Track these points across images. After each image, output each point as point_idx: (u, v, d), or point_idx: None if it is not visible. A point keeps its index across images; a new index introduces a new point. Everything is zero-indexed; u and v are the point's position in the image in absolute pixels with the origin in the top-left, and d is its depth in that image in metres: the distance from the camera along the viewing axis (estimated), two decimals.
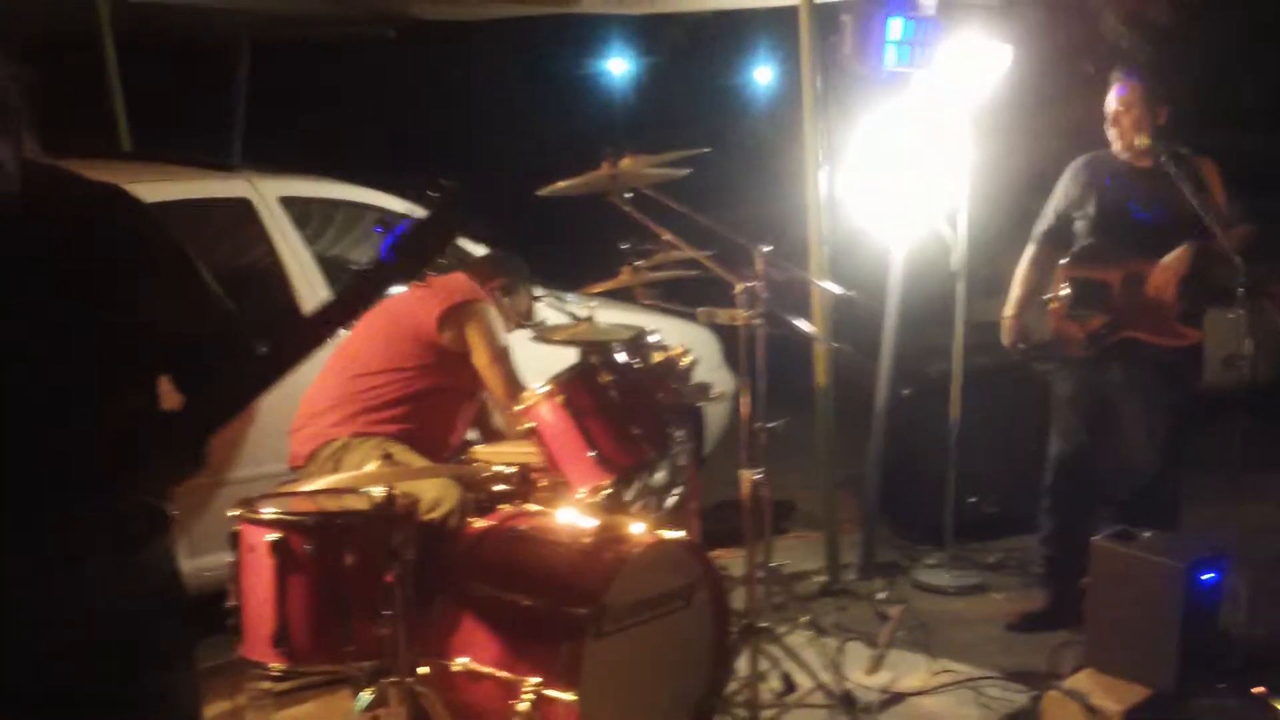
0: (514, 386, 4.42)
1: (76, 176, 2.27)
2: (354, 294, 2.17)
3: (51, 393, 2.11)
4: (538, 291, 5.17)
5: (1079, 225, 5.02)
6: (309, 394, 4.50)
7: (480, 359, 4.45)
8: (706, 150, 4.57)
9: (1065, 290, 4.93)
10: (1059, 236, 5.08)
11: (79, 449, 2.11)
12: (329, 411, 4.41)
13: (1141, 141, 4.77)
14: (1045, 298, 5.03)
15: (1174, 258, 4.74)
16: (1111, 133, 4.93)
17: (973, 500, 6.11)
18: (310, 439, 4.38)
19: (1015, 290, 5.23)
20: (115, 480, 2.13)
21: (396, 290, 4.25)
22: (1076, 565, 4.64)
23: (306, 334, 2.21)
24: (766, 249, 4.51)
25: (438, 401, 4.51)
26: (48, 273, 2.13)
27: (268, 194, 5.33)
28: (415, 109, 12.64)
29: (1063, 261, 4.98)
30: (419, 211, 5.70)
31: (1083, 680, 4.24)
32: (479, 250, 5.54)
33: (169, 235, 2.33)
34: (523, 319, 4.93)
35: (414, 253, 2.16)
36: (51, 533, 2.09)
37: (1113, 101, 4.90)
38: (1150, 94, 4.83)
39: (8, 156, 2.10)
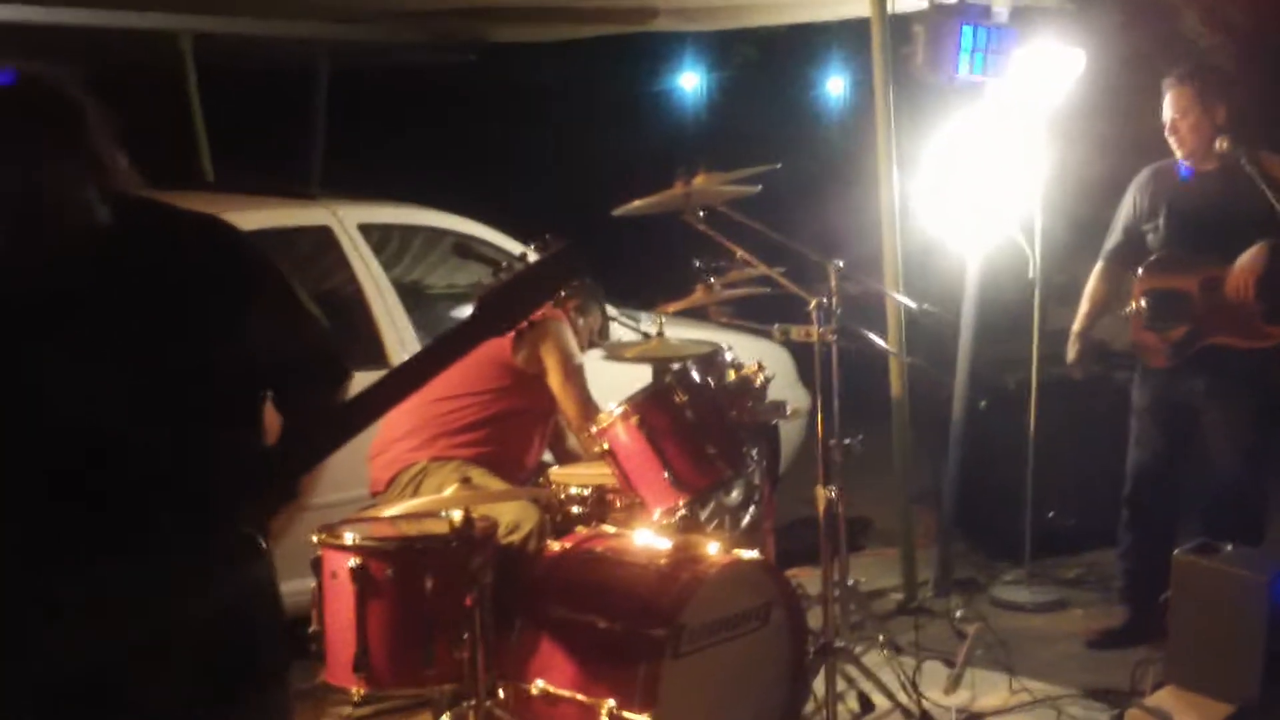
0: (588, 407, 4.46)
1: (172, 207, 2.34)
2: (447, 345, 2.22)
3: (150, 420, 2.17)
4: (611, 310, 5.21)
5: (1150, 238, 4.96)
6: (388, 418, 4.56)
7: (554, 379, 4.49)
8: (777, 166, 4.59)
9: (1143, 303, 4.88)
10: (1129, 252, 5.03)
11: (174, 476, 2.17)
12: (408, 436, 4.47)
13: (1222, 144, 4.69)
14: (1124, 312, 4.98)
15: (1250, 257, 4.66)
16: (1171, 141, 4.87)
17: (1051, 514, 6.05)
18: (390, 464, 4.45)
19: (1084, 306, 5.21)
20: (211, 507, 2.18)
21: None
22: (1158, 580, 4.55)
23: (398, 382, 2.27)
24: (840, 264, 4.53)
25: (515, 423, 4.55)
26: (145, 303, 2.19)
27: (347, 221, 5.43)
28: (492, 129, 12.75)
29: (1139, 273, 4.93)
30: (498, 236, 5.78)
31: (1165, 697, 4.19)
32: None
33: (266, 260, 2.40)
34: (596, 338, 4.96)
35: (511, 307, 2.20)
36: (148, 556, 2.15)
37: (1168, 110, 4.84)
38: (1203, 97, 4.76)
39: (91, 194, 2.17)
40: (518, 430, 4.57)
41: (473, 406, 4.48)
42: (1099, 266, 5.18)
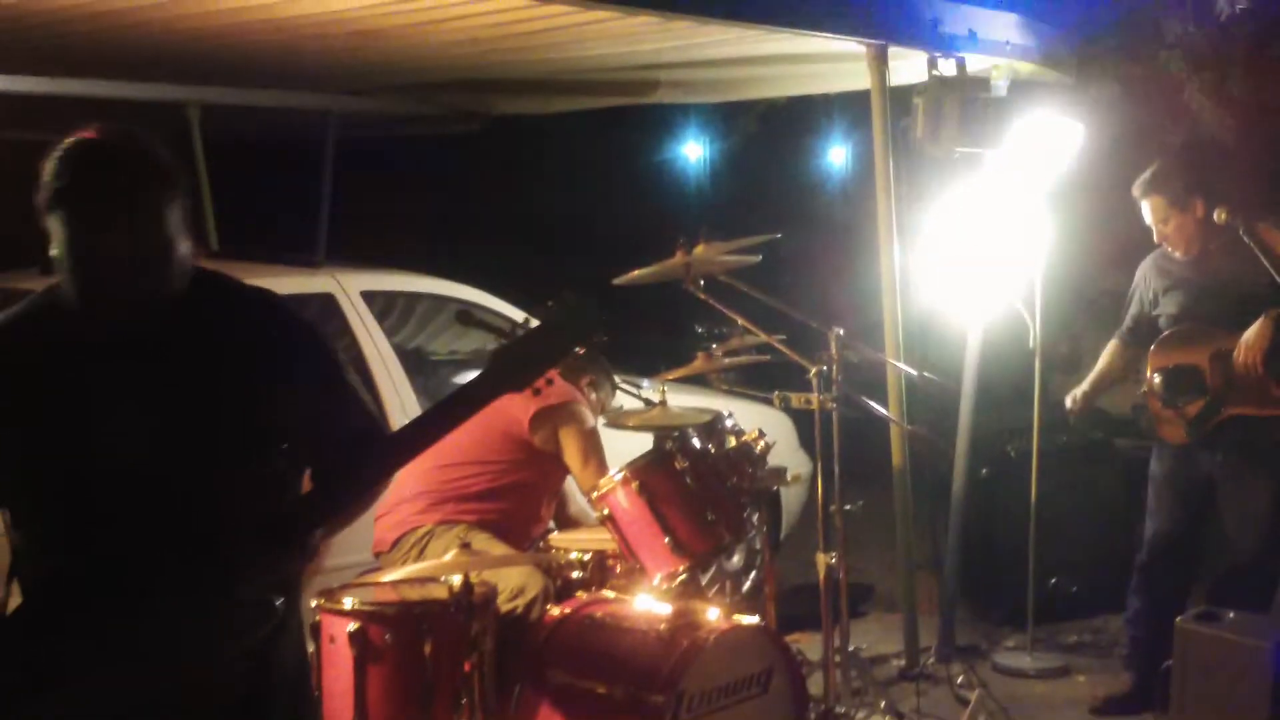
0: None
1: (236, 280, 2.42)
2: (463, 399, 2.24)
3: (190, 475, 2.22)
4: (615, 379, 5.22)
5: (1162, 321, 4.96)
6: (397, 479, 4.55)
7: (573, 458, 4.47)
8: (777, 236, 4.64)
9: (1156, 380, 4.88)
10: (1143, 335, 5.05)
11: (200, 532, 2.20)
12: (416, 498, 4.48)
13: (1220, 215, 4.68)
14: (1140, 391, 4.98)
15: (1254, 332, 4.64)
16: (1165, 246, 4.92)
17: (1054, 581, 6.03)
18: (396, 525, 4.46)
19: (1093, 374, 5.24)
20: (229, 563, 2.22)
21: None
22: (1164, 647, 4.52)
23: (414, 436, 2.29)
24: (840, 331, 4.56)
25: (523, 495, 4.55)
26: (203, 365, 2.26)
27: (350, 288, 5.47)
28: (497, 199, 12.86)
29: (1151, 350, 4.93)
30: (501, 304, 5.81)
31: None
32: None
33: (318, 337, 2.47)
34: (604, 411, 4.97)
35: (526, 362, 2.21)
36: (161, 611, 2.18)
37: (1147, 218, 4.88)
38: (1176, 199, 4.79)
39: (178, 249, 2.22)
40: (526, 501, 4.56)
41: (483, 476, 4.48)
42: (1113, 342, 5.22)
